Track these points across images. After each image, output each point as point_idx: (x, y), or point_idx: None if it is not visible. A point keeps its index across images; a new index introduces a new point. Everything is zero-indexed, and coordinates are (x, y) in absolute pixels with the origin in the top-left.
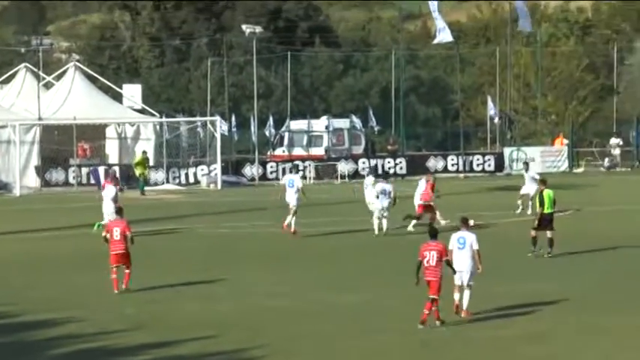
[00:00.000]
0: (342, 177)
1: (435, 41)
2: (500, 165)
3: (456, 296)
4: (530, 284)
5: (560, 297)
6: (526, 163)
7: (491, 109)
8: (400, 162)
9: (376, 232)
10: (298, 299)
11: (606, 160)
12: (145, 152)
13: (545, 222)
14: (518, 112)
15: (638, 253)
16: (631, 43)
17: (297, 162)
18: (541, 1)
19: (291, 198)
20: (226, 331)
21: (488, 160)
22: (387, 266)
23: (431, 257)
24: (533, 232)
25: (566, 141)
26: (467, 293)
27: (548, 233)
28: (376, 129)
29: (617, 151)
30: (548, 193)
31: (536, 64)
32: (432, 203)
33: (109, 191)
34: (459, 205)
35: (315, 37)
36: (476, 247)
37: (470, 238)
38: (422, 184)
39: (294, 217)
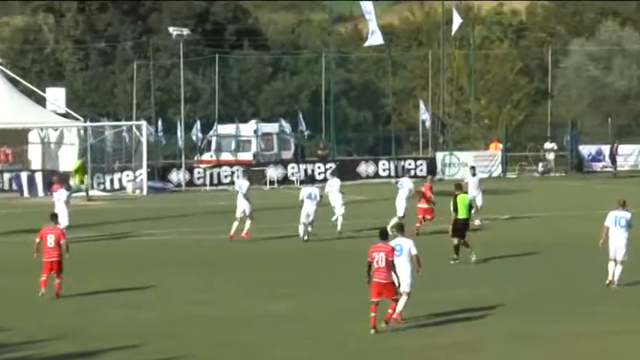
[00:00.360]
0: (272, 183)
1: (366, 44)
2: (432, 170)
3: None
4: (464, 290)
5: (494, 303)
6: (472, 168)
7: (424, 113)
8: (330, 167)
9: (302, 236)
10: (224, 307)
11: (540, 165)
12: (82, 157)
13: (459, 228)
14: (450, 116)
15: (570, 260)
16: (565, 45)
17: (245, 167)
18: (474, 1)
19: (242, 203)
20: (150, 340)
21: (421, 164)
22: (314, 273)
23: (380, 259)
24: (454, 241)
25: (500, 145)
26: (403, 299)
27: (461, 239)
28: (306, 133)
29: (551, 156)
30: (462, 198)
31: (469, 68)
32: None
33: (61, 195)
34: (391, 211)
35: (243, 39)
36: (414, 251)
37: (407, 244)
38: (405, 186)
39: (249, 222)
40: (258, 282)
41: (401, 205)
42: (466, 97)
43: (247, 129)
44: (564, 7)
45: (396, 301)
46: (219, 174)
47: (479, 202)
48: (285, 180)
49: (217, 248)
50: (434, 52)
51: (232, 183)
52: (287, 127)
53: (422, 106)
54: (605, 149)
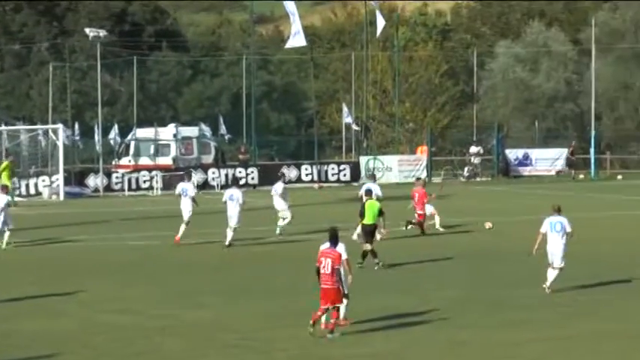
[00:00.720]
0: None
1: (288, 45)
2: (356, 174)
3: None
4: (388, 297)
5: (419, 311)
6: (373, 175)
7: (347, 117)
8: (252, 172)
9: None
10: (145, 315)
11: (466, 169)
12: (9, 157)
13: (366, 233)
14: (374, 120)
15: (497, 266)
16: (491, 47)
17: (190, 169)
18: (398, 2)
19: (186, 207)
20: (68, 349)
21: (344, 169)
22: (238, 280)
23: (326, 264)
24: (367, 246)
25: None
26: (344, 301)
27: (368, 246)
28: (227, 137)
29: (477, 160)
30: (370, 204)
31: (393, 70)
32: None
33: (1, 200)
34: (314, 217)
35: (162, 41)
36: (345, 256)
37: (339, 248)
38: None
39: (183, 227)
40: (181, 289)
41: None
42: (390, 100)
43: (166, 133)
44: (490, 8)
45: (337, 309)
46: (137, 179)
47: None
48: (205, 185)
49: (139, 255)
50: (357, 54)
51: (151, 188)
52: (207, 130)
53: (345, 109)
54: (532, 153)
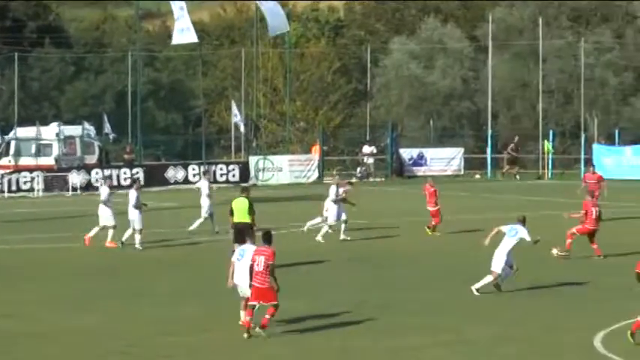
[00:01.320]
0: (74, 189)
1: (175, 41)
2: (245, 175)
3: (242, 314)
4: (281, 302)
5: (311, 315)
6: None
7: (236, 116)
8: (137, 172)
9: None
10: (27, 320)
11: (358, 169)
12: None
13: (238, 232)
14: (264, 119)
15: (387, 269)
16: (385, 44)
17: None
18: (289, 0)
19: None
20: None
21: (233, 169)
22: (129, 284)
23: (259, 262)
24: (235, 246)
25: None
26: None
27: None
28: (111, 137)
29: (370, 160)
30: (237, 201)
31: (284, 67)
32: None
33: None
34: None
35: (44, 37)
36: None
37: (251, 249)
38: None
39: (96, 229)
40: (67, 294)
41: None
42: (281, 98)
43: (49, 132)
44: (384, 4)
45: (276, 307)
46: (18, 180)
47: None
48: (88, 186)
49: (24, 258)
50: (247, 51)
51: (32, 189)
52: (91, 129)
53: (234, 107)
54: (427, 152)
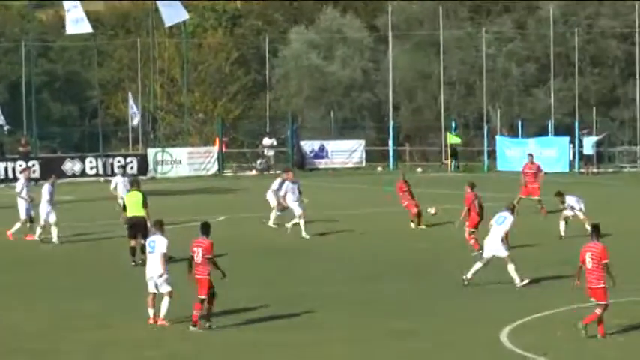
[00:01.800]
0: None
1: (70, 32)
2: (143, 168)
3: (150, 311)
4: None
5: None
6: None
7: (133, 107)
8: (33, 165)
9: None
10: None
11: (258, 161)
12: None
13: (132, 227)
14: (162, 110)
15: (293, 262)
16: (284, 34)
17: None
18: None
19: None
20: None
21: (131, 162)
22: (29, 280)
23: (198, 254)
24: (132, 242)
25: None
26: (166, 300)
27: (142, 240)
28: (6, 129)
29: (270, 153)
30: (130, 195)
31: (181, 58)
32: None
33: None
34: (99, 213)
35: None
36: (164, 250)
37: (161, 241)
38: None
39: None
40: None
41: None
42: (179, 89)
43: None
44: None
45: (213, 296)
46: None
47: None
48: None
49: None
50: (143, 41)
51: None
52: None
53: (131, 99)
54: (328, 144)
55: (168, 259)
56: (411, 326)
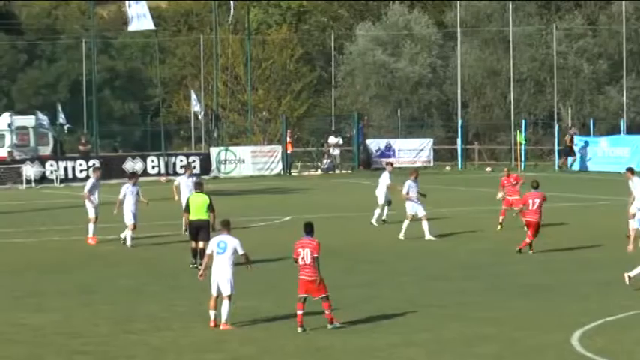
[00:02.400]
0: (28, 182)
1: (131, 28)
2: (206, 167)
3: (212, 313)
4: (250, 298)
5: (276, 314)
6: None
7: (196, 105)
8: (93, 164)
9: None
10: None
11: (324, 161)
12: None
13: (194, 231)
14: (225, 108)
15: (361, 264)
16: (350, 30)
17: None
18: None
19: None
20: None
21: (193, 161)
22: (80, 281)
23: (305, 255)
24: (193, 244)
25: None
26: (226, 304)
27: (201, 243)
28: (66, 127)
29: (336, 152)
30: (195, 198)
31: (245, 55)
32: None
33: None
34: (164, 213)
35: None
36: (241, 250)
37: (232, 241)
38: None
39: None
40: (20, 291)
41: None
42: (242, 86)
43: (0, 123)
44: None
45: (327, 297)
46: None
47: None
48: (43, 179)
49: None
50: (206, 38)
51: None
52: (45, 120)
53: (193, 96)
54: (395, 143)
55: (247, 259)
56: (481, 331)
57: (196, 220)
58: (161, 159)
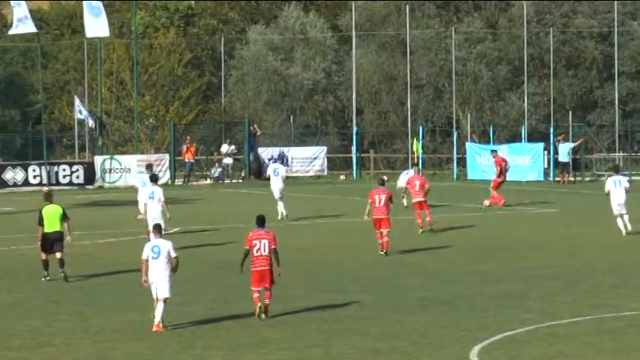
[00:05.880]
0: None
1: (12, 31)
2: (90, 177)
3: (157, 314)
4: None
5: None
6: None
7: (80, 112)
8: None
9: None
10: None
11: (213, 169)
12: None
13: (49, 243)
14: (110, 115)
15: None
16: (240, 34)
17: None
18: None
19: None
20: None
21: (77, 170)
22: None
23: (262, 246)
24: (43, 255)
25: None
26: (161, 306)
27: (58, 254)
28: None
29: (229, 160)
30: (49, 210)
31: (131, 59)
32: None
33: None
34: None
35: None
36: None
37: (166, 245)
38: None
39: None
40: None
41: None
42: (128, 92)
43: None
44: None
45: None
46: None
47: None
48: None
49: None
50: (90, 41)
51: None
52: None
53: (77, 103)
54: (289, 151)
55: (176, 263)
56: (375, 345)
57: (52, 233)
58: (43, 168)
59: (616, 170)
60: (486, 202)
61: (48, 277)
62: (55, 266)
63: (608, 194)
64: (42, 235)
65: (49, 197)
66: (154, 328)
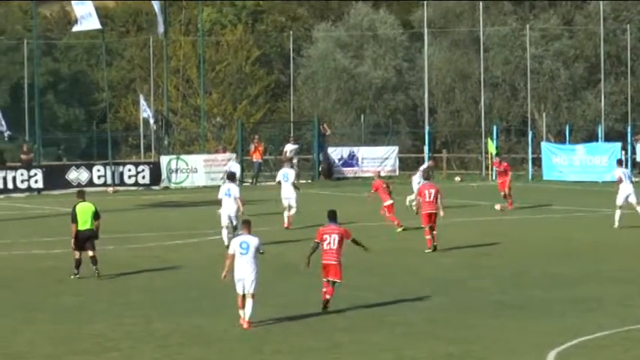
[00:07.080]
0: None
1: (76, 28)
2: (156, 177)
3: (242, 312)
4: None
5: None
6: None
7: (145, 111)
8: (35, 174)
9: None
10: None
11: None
12: None
13: (81, 241)
14: (177, 114)
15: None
16: (309, 31)
17: None
18: None
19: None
20: None
21: (142, 171)
22: (23, 298)
23: (332, 240)
24: (77, 254)
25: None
26: (250, 302)
27: (90, 252)
28: (6, 134)
29: (295, 160)
30: (82, 207)
31: (198, 57)
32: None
33: None
34: (111, 225)
35: None
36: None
37: (253, 241)
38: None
39: None
40: None
41: None
42: (195, 90)
43: None
44: None
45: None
46: None
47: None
48: None
49: None
50: (156, 39)
51: None
52: None
53: (142, 101)
54: (359, 151)
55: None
56: (448, 350)
57: (84, 230)
58: (108, 168)
59: None
60: (497, 207)
61: (78, 276)
62: (88, 264)
63: None
64: (75, 233)
65: (81, 195)
66: (244, 325)
